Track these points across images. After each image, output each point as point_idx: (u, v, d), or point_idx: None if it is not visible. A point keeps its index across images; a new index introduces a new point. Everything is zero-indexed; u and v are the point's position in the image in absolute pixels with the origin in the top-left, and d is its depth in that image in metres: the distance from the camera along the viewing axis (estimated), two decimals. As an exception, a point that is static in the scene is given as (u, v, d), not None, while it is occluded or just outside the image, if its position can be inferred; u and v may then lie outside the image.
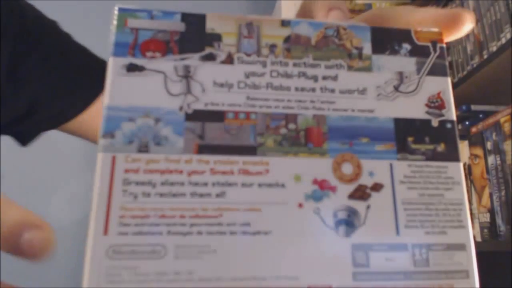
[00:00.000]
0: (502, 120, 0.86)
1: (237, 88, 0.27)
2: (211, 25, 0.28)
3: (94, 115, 0.51)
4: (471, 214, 0.93)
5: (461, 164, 0.28)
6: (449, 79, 0.29)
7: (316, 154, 0.26)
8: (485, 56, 0.92)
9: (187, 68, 0.27)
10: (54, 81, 0.48)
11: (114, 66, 0.26)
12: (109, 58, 0.26)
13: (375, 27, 0.29)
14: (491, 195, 0.88)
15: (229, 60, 0.27)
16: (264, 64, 0.27)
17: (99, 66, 0.52)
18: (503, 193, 0.84)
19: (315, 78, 0.28)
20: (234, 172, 0.25)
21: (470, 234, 0.27)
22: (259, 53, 0.28)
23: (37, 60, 0.46)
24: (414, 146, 0.27)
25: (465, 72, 0.99)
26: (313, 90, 0.28)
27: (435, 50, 0.30)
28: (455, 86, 0.98)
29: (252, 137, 0.26)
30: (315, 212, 0.25)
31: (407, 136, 0.28)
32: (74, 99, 0.50)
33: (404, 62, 0.29)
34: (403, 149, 0.27)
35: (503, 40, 0.86)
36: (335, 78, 0.28)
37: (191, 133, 0.26)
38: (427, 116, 0.28)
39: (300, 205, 0.25)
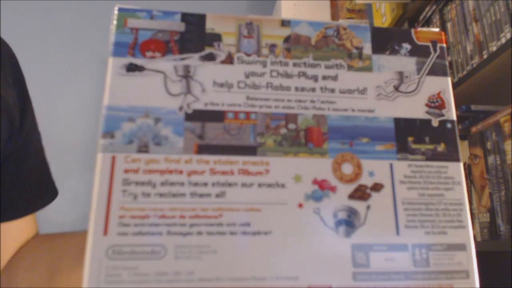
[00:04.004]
0: (502, 120, 0.86)
1: (237, 88, 0.27)
2: (211, 25, 0.28)
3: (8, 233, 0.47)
4: (471, 214, 0.93)
5: (461, 164, 0.28)
6: (449, 79, 0.29)
7: (316, 154, 0.26)
8: (485, 56, 0.92)
9: (187, 68, 0.27)
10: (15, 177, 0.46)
11: (113, 66, 0.26)
12: (109, 58, 0.26)
13: (375, 27, 0.29)
14: (491, 195, 0.88)
15: (229, 60, 0.27)
16: (264, 64, 0.27)
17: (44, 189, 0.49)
18: (503, 193, 0.84)
19: (315, 78, 0.28)
20: (234, 172, 0.25)
21: (470, 234, 0.26)
22: (259, 53, 0.28)
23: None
24: (414, 146, 0.27)
25: (465, 72, 0.99)
26: (313, 90, 0.28)
27: (435, 50, 0.30)
28: (455, 86, 0.98)
29: (252, 137, 0.26)
30: (315, 212, 0.25)
31: (407, 136, 0.28)
32: (18, 204, 0.46)
33: (404, 62, 0.29)
34: (403, 149, 0.27)
35: (503, 40, 0.86)
36: (335, 78, 0.28)
37: (191, 133, 0.25)
38: (427, 116, 0.28)
39: (300, 205, 0.25)
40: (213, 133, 0.26)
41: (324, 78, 0.28)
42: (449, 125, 0.28)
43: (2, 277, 0.46)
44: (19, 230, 0.48)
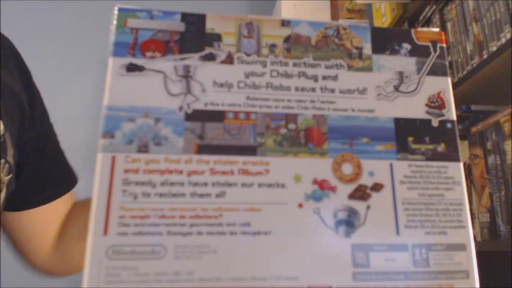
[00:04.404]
0: (502, 120, 0.86)
1: (237, 88, 0.27)
2: (211, 25, 0.28)
3: (38, 217, 0.49)
4: (471, 214, 0.93)
5: (462, 164, 0.28)
6: (449, 79, 0.29)
7: (316, 154, 0.26)
8: (485, 56, 0.92)
9: (187, 68, 0.27)
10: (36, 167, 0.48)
11: (113, 66, 0.26)
12: (109, 58, 0.26)
13: (375, 27, 0.29)
14: (491, 195, 0.88)
15: (229, 60, 0.27)
16: (264, 64, 0.27)
17: (67, 177, 0.52)
18: (503, 193, 0.84)
19: (315, 78, 0.28)
20: (234, 172, 0.25)
21: (470, 234, 0.26)
22: (259, 53, 0.28)
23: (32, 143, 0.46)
24: (414, 146, 0.27)
25: (465, 72, 0.99)
26: (313, 90, 0.28)
27: (435, 50, 0.30)
28: (455, 86, 0.98)
29: (252, 137, 0.26)
30: (315, 212, 0.25)
31: (407, 136, 0.28)
32: (41, 191, 0.48)
33: (404, 62, 0.29)
34: (403, 149, 0.27)
35: (503, 40, 0.86)
36: (335, 78, 0.28)
37: (191, 133, 0.25)
38: (427, 116, 0.28)
39: (300, 205, 0.25)
40: (213, 133, 0.26)
41: (324, 78, 0.28)
42: (449, 125, 0.28)
43: (56, 251, 0.49)
44: (56, 206, 0.50)
